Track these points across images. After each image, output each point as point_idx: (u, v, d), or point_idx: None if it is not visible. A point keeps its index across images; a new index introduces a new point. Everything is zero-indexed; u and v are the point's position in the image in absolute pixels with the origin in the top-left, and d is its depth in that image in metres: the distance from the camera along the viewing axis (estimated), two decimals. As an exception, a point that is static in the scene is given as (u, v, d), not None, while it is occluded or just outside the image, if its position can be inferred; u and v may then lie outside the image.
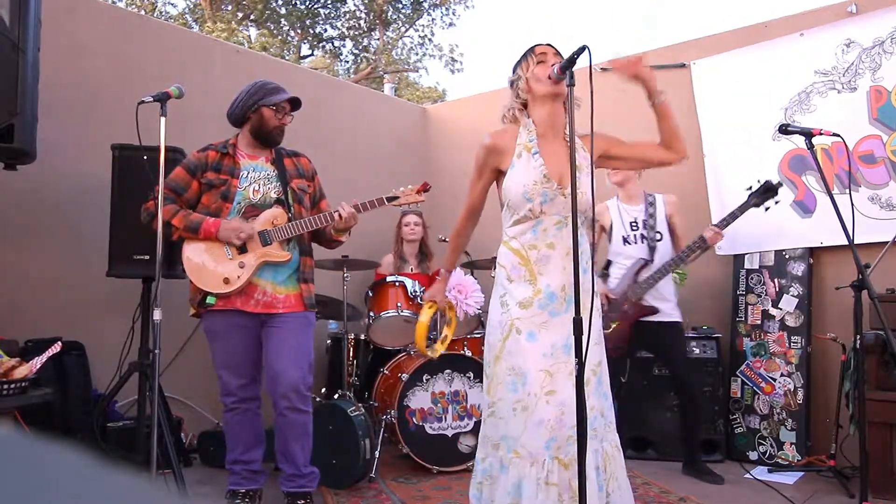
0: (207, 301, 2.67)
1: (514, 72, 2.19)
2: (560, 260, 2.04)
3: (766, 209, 3.41)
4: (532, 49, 2.15)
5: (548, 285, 2.03)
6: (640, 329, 3.45)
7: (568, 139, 2.11)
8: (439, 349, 2.46)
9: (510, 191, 2.09)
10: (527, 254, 2.06)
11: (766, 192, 3.36)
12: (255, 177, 2.79)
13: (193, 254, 2.70)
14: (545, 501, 1.88)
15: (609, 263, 3.65)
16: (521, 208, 2.06)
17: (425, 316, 2.30)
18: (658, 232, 3.57)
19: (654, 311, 3.44)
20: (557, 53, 2.13)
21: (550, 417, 1.95)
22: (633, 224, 3.60)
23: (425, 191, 2.84)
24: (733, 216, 3.39)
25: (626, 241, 3.60)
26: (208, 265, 2.68)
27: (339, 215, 2.73)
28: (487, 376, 2.12)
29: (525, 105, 2.17)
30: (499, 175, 2.16)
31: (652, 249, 3.53)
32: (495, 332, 2.09)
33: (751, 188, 3.44)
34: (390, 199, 2.80)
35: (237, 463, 2.80)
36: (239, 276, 2.66)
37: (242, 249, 2.69)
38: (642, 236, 3.57)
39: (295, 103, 2.88)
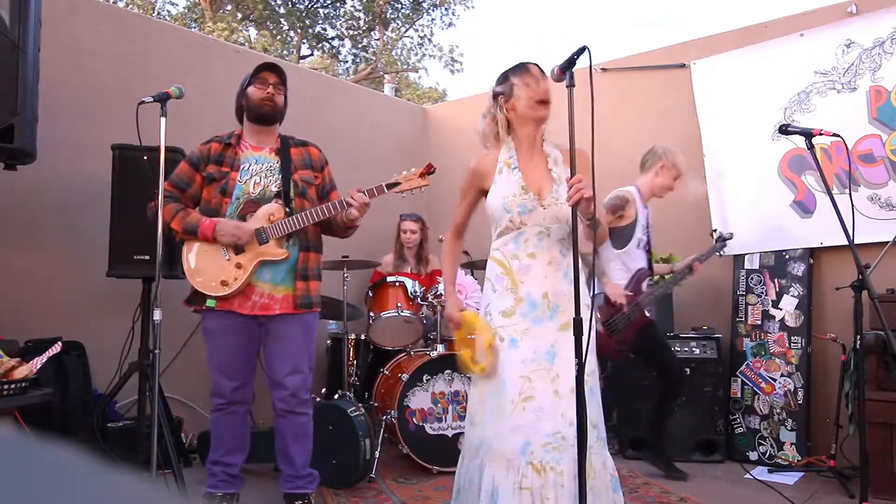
0: (207, 304, 2.63)
1: (502, 82, 2.17)
2: (541, 268, 2.07)
3: (720, 255, 3.84)
4: (527, 69, 2.14)
5: (529, 293, 2.05)
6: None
7: (546, 151, 2.18)
8: (482, 366, 2.20)
9: (492, 205, 2.15)
10: (509, 263, 2.10)
11: (725, 241, 3.76)
12: (257, 169, 2.71)
13: (192, 256, 2.67)
14: None
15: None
16: (502, 220, 2.13)
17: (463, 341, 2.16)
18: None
19: (653, 323, 3.40)
20: (545, 78, 2.13)
21: (525, 423, 1.95)
22: (645, 229, 3.42)
23: (430, 173, 2.61)
24: (707, 256, 3.65)
25: (639, 244, 3.39)
26: (207, 268, 2.64)
27: (349, 202, 2.59)
28: (472, 384, 2.16)
29: (508, 122, 2.18)
30: (483, 195, 2.22)
31: (649, 261, 3.45)
32: None
33: (714, 231, 3.90)
34: (391, 186, 2.63)
35: (217, 464, 2.75)
36: (236, 278, 2.61)
37: (239, 250, 2.63)
38: (646, 244, 3.43)
39: (274, 70, 2.76)
